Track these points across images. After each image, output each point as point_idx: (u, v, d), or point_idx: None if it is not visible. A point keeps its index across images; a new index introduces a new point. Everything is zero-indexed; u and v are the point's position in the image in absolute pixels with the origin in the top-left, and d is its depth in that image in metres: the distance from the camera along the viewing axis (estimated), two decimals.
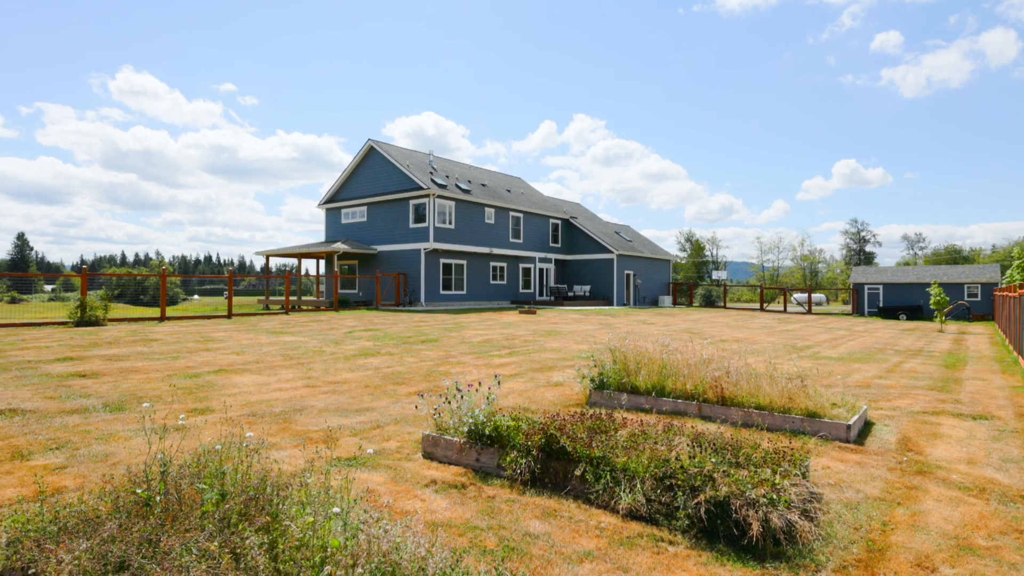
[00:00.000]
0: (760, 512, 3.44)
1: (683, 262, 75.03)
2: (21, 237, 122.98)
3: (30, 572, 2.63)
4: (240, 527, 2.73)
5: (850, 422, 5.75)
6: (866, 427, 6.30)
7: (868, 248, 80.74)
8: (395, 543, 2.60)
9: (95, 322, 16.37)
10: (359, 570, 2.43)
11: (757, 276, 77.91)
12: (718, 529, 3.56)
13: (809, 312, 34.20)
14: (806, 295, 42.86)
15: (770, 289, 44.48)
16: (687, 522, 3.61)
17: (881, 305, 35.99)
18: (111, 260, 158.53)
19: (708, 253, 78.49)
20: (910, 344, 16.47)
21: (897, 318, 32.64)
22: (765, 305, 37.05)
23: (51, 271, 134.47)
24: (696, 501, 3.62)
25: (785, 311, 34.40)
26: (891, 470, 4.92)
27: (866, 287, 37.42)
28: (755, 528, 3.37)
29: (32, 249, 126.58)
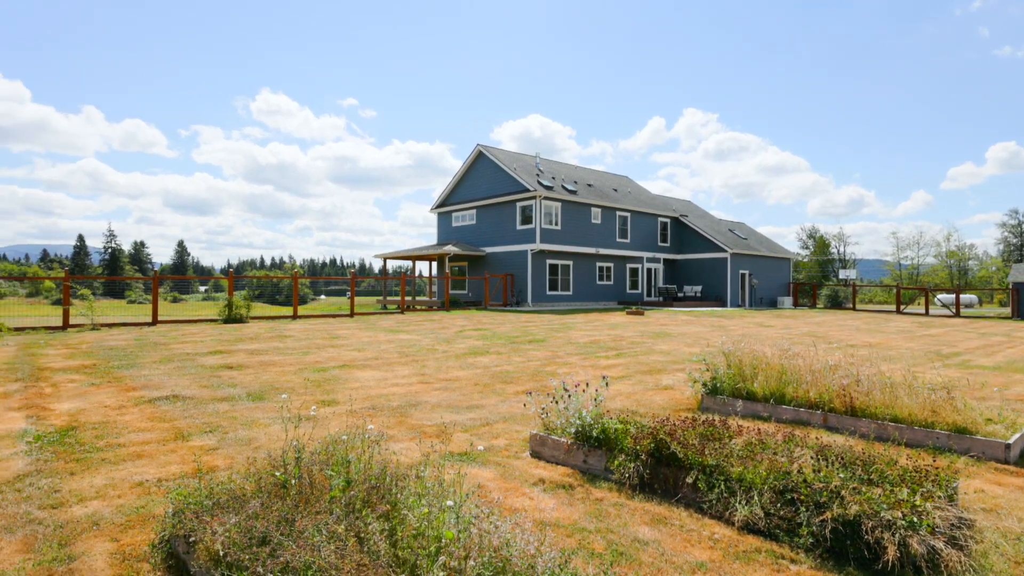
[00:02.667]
0: (897, 535, 3.13)
1: (805, 260, 69.64)
2: (181, 244, 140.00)
3: (190, 539, 3.01)
4: (363, 513, 2.94)
5: (1010, 440, 5.06)
6: None
7: None
8: (505, 539, 2.67)
9: (239, 319, 18.25)
10: (471, 562, 2.52)
11: (892, 275, 70.48)
12: (847, 550, 3.29)
13: (956, 315, 30.47)
14: (953, 296, 38.26)
15: (908, 289, 40.17)
16: (811, 540, 3.37)
17: None
18: (252, 264, 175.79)
19: (834, 250, 72.20)
20: None
21: None
22: (902, 307, 33.51)
23: (204, 274, 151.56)
24: (821, 518, 3.37)
25: (927, 313, 30.90)
26: None
27: None
28: (891, 552, 3.08)
29: (189, 255, 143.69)
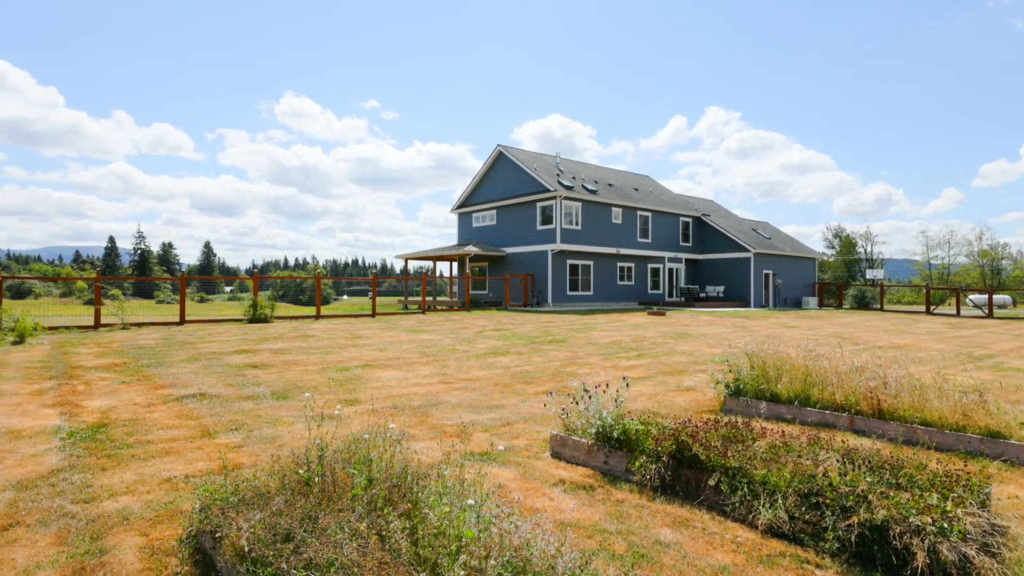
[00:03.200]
0: (926, 541, 3.06)
1: (831, 260, 68.32)
2: (207, 246, 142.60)
3: (217, 535, 3.07)
4: (385, 511, 2.96)
5: None
6: None
7: None
8: (525, 539, 2.67)
9: (264, 319, 18.53)
10: (491, 562, 2.53)
11: (922, 275, 68.78)
12: (874, 555, 3.23)
13: (989, 316, 29.63)
14: (985, 296, 37.25)
15: (938, 289, 39.14)
16: (837, 544, 3.31)
17: None
18: (276, 264, 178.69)
19: (861, 250, 70.66)
20: None
21: None
22: (932, 308, 32.69)
23: (229, 275, 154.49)
24: (848, 523, 3.31)
25: (958, 314, 30.11)
26: None
27: None
28: (920, 559, 3.01)
29: (215, 256, 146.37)
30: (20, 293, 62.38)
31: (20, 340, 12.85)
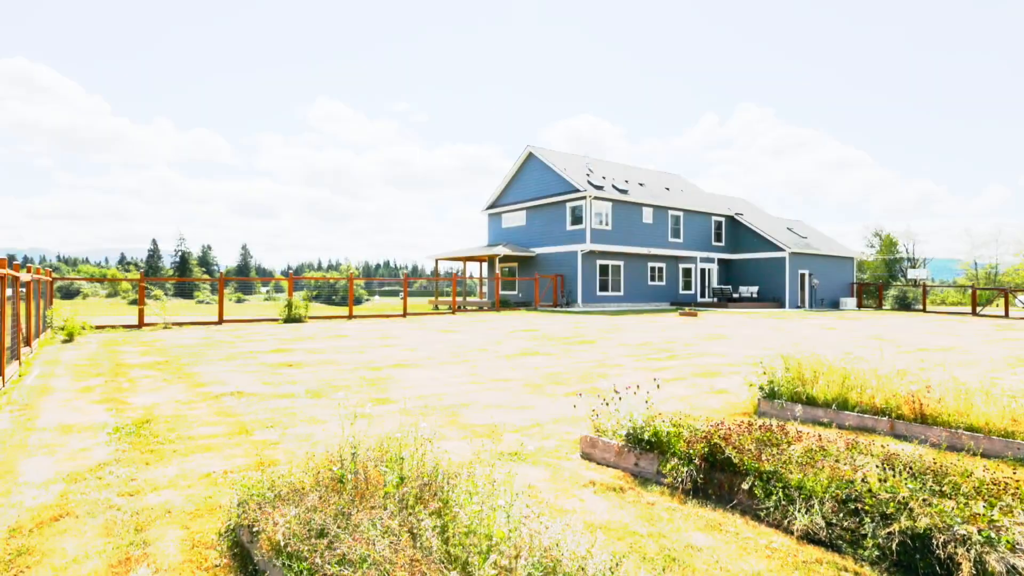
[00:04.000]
0: (972, 551, 2.95)
1: (870, 260, 66.24)
2: (244, 248, 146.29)
3: (254, 529, 3.15)
4: (416, 509, 3.00)
5: None
6: None
7: None
8: (555, 539, 2.67)
9: (298, 319, 18.92)
10: (522, 561, 2.54)
11: (967, 275, 66.11)
12: (916, 565, 3.13)
13: None
14: None
15: (985, 290, 37.60)
16: (876, 552, 3.22)
17: None
18: (310, 266, 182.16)
19: (902, 249, 68.31)
20: None
21: None
22: (979, 309, 31.43)
23: (265, 276, 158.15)
24: (888, 531, 3.22)
25: (1006, 316, 28.88)
26: None
27: None
28: (966, 570, 2.90)
29: (251, 257, 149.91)
30: (69, 294, 65.08)
31: (70, 339, 13.40)
